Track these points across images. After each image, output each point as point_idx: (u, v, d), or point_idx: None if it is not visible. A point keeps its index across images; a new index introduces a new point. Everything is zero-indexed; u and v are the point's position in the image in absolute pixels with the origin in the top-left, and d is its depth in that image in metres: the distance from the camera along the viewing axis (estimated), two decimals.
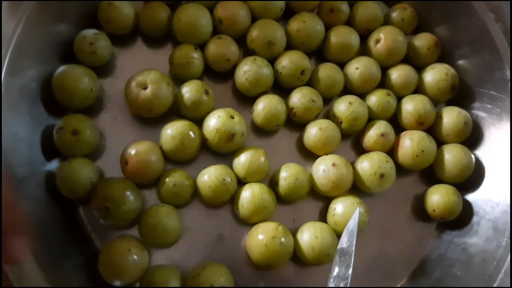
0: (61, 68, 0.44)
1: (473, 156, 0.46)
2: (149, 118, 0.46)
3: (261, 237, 0.42)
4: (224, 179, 0.43)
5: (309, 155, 0.48)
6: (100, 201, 0.41)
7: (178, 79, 0.47)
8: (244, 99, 0.48)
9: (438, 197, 0.45)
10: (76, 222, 0.44)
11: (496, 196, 0.44)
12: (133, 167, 0.42)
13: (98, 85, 0.46)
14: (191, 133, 0.44)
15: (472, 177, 0.46)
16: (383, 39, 0.48)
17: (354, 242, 0.38)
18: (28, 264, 0.36)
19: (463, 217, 0.46)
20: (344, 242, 0.40)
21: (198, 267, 0.41)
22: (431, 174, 0.48)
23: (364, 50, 0.50)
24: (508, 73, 0.45)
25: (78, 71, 0.44)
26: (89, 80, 0.44)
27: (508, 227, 0.42)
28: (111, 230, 0.44)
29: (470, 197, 0.47)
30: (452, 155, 0.46)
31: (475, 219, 0.45)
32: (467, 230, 0.45)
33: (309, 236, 0.42)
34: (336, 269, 0.39)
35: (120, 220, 0.42)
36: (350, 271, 0.37)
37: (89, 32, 0.45)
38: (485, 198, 0.45)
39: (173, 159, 0.45)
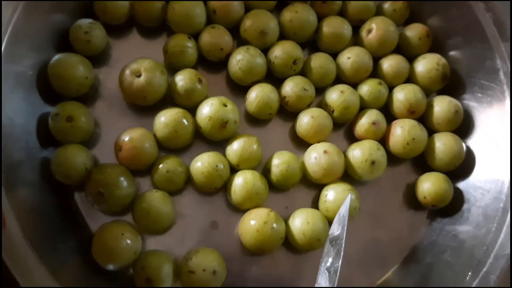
0: (57, 56, 0.44)
1: (463, 144, 0.46)
2: (143, 106, 0.46)
3: (253, 223, 0.42)
4: (217, 166, 0.43)
5: (301, 143, 0.48)
6: (94, 186, 0.41)
7: (173, 68, 0.47)
8: (238, 88, 0.49)
9: (429, 185, 0.46)
10: (71, 207, 0.45)
11: (486, 183, 0.45)
12: (127, 153, 0.43)
13: (93, 74, 0.47)
14: (184, 120, 0.44)
15: (463, 165, 0.46)
16: (375, 29, 0.49)
17: (345, 228, 0.39)
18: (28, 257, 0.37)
19: (454, 204, 0.46)
20: (335, 228, 0.40)
21: (190, 252, 0.42)
22: (422, 162, 0.48)
23: (356, 40, 0.51)
24: (498, 62, 0.45)
25: (74, 59, 0.44)
26: (84, 68, 0.45)
27: (498, 214, 0.42)
28: (105, 215, 0.44)
29: (461, 184, 0.47)
30: (443, 143, 0.46)
31: (465, 206, 0.46)
32: (458, 217, 0.46)
33: (300, 221, 0.43)
34: (327, 255, 0.39)
35: (113, 205, 0.42)
36: (340, 257, 0.38)
37: (85, 22, 0.46)
38: (475, 186, 0.46)
39: (167, 146, 0.45)
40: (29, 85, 0.44)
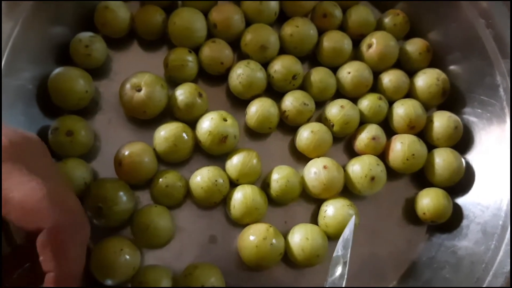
0: (57, 70, 0.44)
1: (463, 160, 0.47)
2: (143, 120, 0.46)
3: (252, 238, 0.42)
4: (216, 180, 0.43)
5: (301, 157, 0.48)
6: (93, 201, 0.41)
7: (173, 82, 0.47)
8: (238, 102, 0.49)
9: (428, 201, 0.46)
10: None
11: (485, 200, 0.45)
12: (127, 167, 0.43)
13: (93, 87, 0.47)
14: (184, 135, 0.44)
15: (462, 181, 0.46)
16: (375, 44, 0.49)
17: (349, 250, 0.39)
18: None
19: (453, 220, 0.46)
20: (339, 249, 0.40)
21: (189, 267, 0.42)
22: (422, 177, 0.48)
23: (356, 55, 0.51)
24: (498, 78, 0.45)
25: (74, 73, 0.44)
26: (84, 82, 0.45)
27: (497, 231, 0.42)
28: (104, 230, 0.44)
29: (460, 200, 0.47)
30: (443, 159, 0.46)
31: (464, 222, 0.46)
32: (457, 233, 0.46)
33: (299, 237, 0.43)
34: (331, 277, 0.39)
35: (112, 220, 0.42)
36: (344, 279, 0.38)
37: (85, 35, 0.46)
38: (474, 202, 0.46)
39: (166, 160, 0.45)
40: (28, 99, 0.44)
